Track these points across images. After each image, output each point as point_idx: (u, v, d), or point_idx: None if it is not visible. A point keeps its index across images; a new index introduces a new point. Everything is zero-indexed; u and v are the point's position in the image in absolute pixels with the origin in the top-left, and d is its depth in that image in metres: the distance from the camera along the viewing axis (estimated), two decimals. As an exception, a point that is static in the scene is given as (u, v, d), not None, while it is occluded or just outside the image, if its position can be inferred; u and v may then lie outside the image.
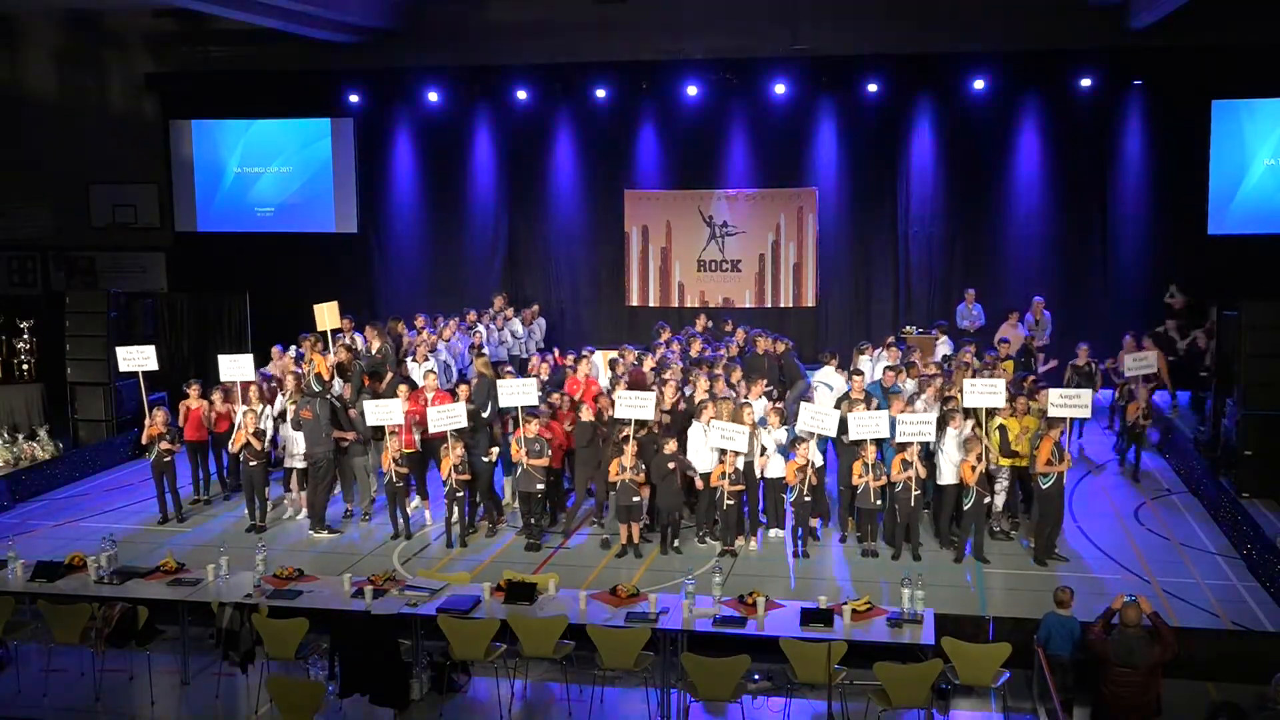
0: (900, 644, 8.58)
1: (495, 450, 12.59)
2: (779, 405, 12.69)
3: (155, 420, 13.18)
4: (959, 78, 18.70)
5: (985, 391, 11.79)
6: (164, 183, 21.47)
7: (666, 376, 13.43)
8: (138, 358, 14.46)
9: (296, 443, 13.08)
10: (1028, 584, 11.00)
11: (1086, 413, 12.15)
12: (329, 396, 13.02)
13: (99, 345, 16.41)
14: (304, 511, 13.26)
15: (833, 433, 11.90)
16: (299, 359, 14.58)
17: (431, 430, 12.45)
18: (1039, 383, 13.09)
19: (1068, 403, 11.92)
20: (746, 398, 12.79)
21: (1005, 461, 11.99)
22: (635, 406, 11.89)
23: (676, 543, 12.10)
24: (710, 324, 17.40)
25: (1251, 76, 17.88)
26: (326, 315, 14.45)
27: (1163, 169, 18.66)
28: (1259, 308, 13.46)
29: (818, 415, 11.72)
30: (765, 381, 13.48)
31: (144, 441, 13.45)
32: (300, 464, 13.22)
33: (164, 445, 13.11)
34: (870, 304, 19.68)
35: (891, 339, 15.42)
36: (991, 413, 12.09)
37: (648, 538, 12.25)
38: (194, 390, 13.88)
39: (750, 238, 19.82)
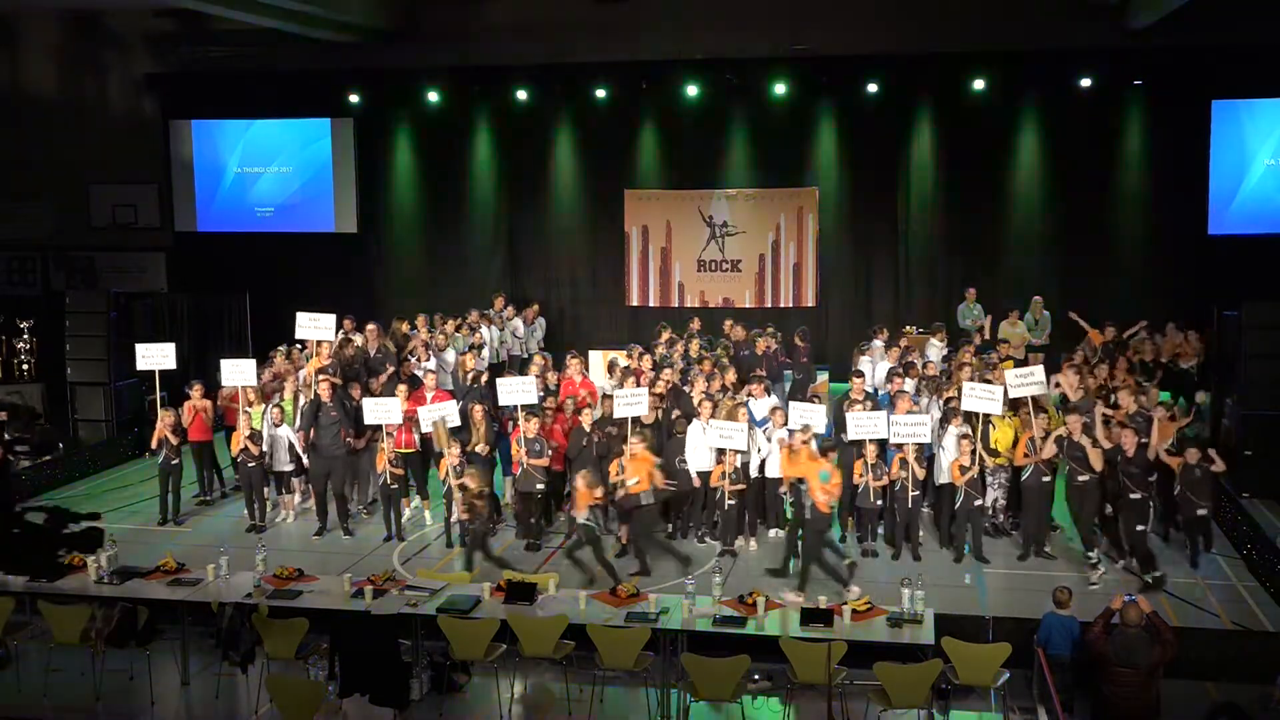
0: (900, 644, 8.58)
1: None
2: (779, 406, 12.69)
3: (166, 421, 13.20)
4: (959, 78, 18.68)
5: (983, 397, 11.72)
6: (164, 183, 21.46)
7: (666, 376, 13.45)
8: (157, 355, 14.39)
9: (281, 447, 13.15)
10: (1028, 584, 11.00)
11: (1042, 389, 12.21)
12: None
13: (99, 345, 16.40)
14: (294, 515, 13.54)
15: (822, 430, 11.92)
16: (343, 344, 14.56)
17: (424, 429, 12.51)
18: None
19: (1023, 382, 12.01)
20: (748, 399, 12.79)
21: (993, 461, 11.93)
22: (631, 404, 11.94)
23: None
24: (742, 326, 16.99)
25: (1251, 76, 17.88)
26: (316, 325, 14.24)
27: (1163, 169, 18.65)
28: (1259, 308, 13.48)
29: (806, 413, 11.72)
30: (763, 384, 13.43)
31: (154, 445, 13.48)
32: (288, 467, 13.28)
33: (169, 449, 13.18)
34: (870, 304, 19.65)
35: (885, 332, 15.53)
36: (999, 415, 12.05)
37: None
38: (197, 390, 13.85)
39: (750, 238, 19.82)
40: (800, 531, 11.03)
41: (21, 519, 9.16)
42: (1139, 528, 10.87)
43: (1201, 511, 11.23)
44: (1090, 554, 11.21)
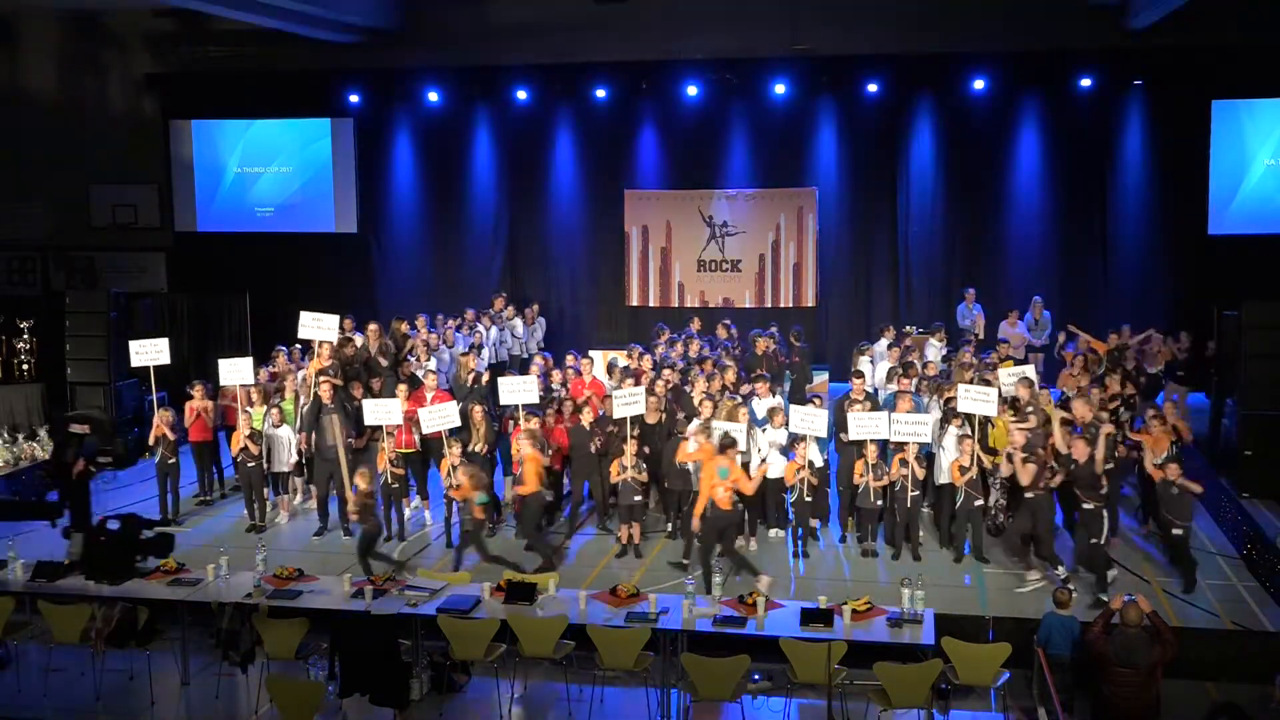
0: (900, 644, 8.59)
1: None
2: (778, 408, 12.68)
3: (164, 419, 13.18)
4: (959, 78, 18.67)
5: (978, 399, 11.64)
6: (164, 183, 21.44)
7: (666, 376, 13.45)
8: (150, 351, 14.27)
9: (280, 447, 13.15)
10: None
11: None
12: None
13: (99, 345, 16.37)
14: (289, 516, 13.53)
15: (823, 434, 11.92)
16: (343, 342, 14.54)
17: (425, 430, 12.52)
18: None
19: (1013, 381, 12.07)
20: (752, 399, 12.79)
21: (990, 460, 11.90)
22: (629, 404, 11.94)
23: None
24: (723, 327, 17.05)
25: (1251, 76, 17.86)
26: (320, 325, 14.18)
27: (1163, 169, 18.63)
28: (1259, 308, 13.46)
29: (807, 417, 11.72)
30: (767, 384, 13.43)
31: (151, 443, 13.48)
32: (287, 467, 13.28)
33: (166, 448, 13.18)
34: (870, 304, 19.64)
35: (892, 331, 15.59)
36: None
37: (649, 535, 12.29)
38: (198, 390, 13.85)
39: (750, 238, 19.81)
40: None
41: (104, 528, 9.35)
42: (1091, 540, 10.58)
43: (1177, 531, 10.84)
44: (1057, 570, 10.81)
